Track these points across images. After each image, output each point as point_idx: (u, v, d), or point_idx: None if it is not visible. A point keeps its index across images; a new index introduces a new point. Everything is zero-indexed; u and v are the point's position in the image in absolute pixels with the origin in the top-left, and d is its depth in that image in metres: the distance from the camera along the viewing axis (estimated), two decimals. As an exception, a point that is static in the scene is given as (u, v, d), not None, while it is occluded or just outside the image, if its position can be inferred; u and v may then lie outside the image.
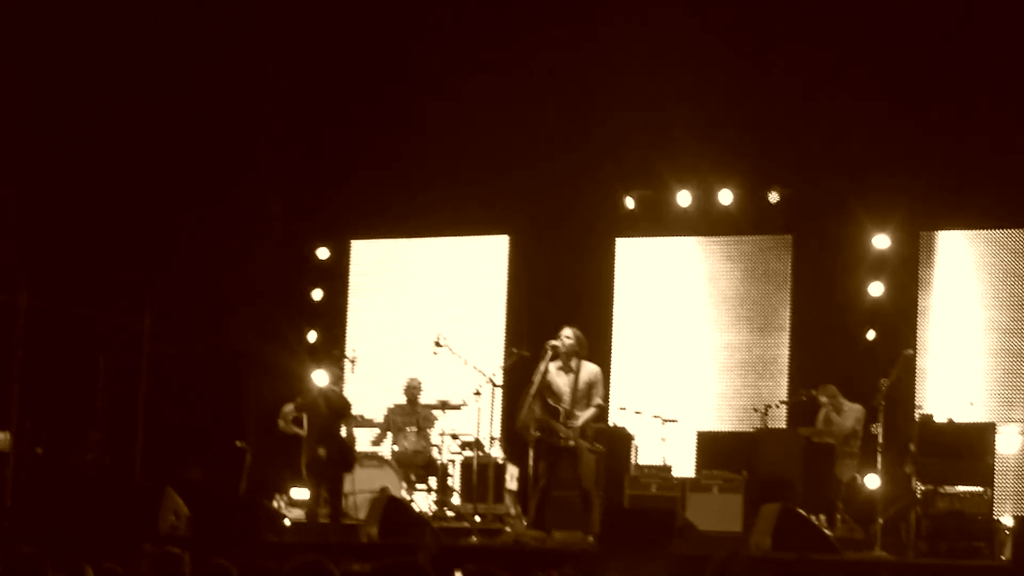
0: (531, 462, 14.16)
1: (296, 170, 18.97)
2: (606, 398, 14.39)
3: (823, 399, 16.13)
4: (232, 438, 17.53)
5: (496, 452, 16.40)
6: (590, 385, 14.20)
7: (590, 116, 17.82)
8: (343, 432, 15.62)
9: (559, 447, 14.04)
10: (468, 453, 16.43)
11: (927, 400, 16.59)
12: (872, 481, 15.02)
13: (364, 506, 15.60)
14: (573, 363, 14.23)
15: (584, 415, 14.16)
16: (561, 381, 14.22)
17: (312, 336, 19.00)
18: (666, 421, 16.33)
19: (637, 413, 16.40)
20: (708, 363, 17.93)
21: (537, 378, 14.17)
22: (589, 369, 14.26)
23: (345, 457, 15.65)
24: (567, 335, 14.26)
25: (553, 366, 14.25)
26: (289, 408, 16.09)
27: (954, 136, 16.64)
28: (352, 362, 17.48)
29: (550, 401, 14.14)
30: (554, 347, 14.26)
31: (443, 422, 16.99)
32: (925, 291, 17.26)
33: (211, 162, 18.17)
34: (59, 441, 17.22)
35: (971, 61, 16.62)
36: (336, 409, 15.64)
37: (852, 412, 16.03)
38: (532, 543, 14.03)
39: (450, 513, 16.43)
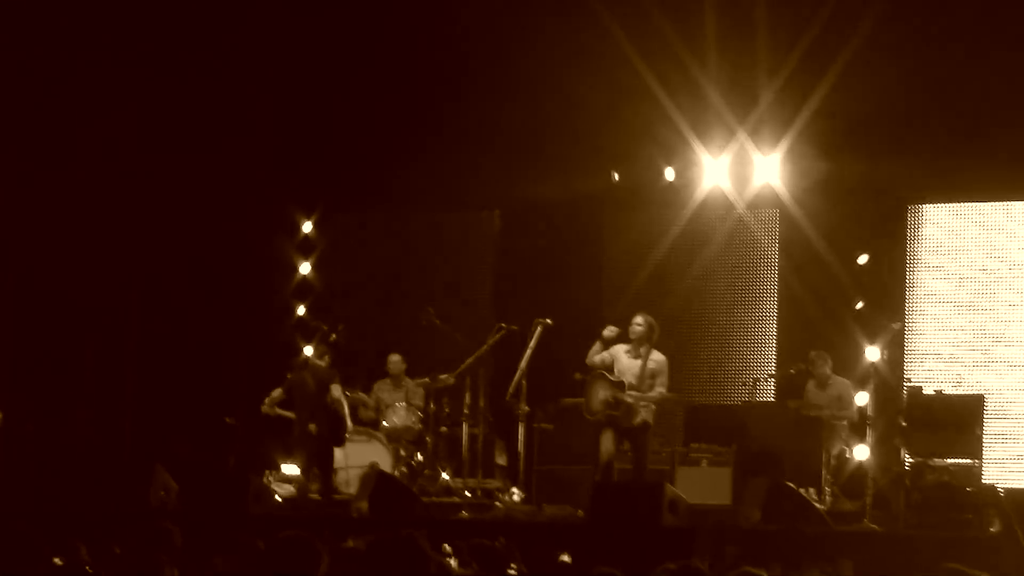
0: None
1: (284, 145, 18.90)
2: (669, 388, 14.63)
3: (815, 365, 16.02)
4: (221, 414, 17.51)
5: (485, 427, 16.42)
6: (654, 373, 14.41)
7: (579, 91, 17.75)
8: (335, 394, 15.64)
9: (621, 425, 14.20)
10: (457, 428, 16.42)
11: (915, 373, 16.60)
12: (861, 453, 15.05)
13: (355, 481, 15.60)
14: (642, 349, 14.46)
15: (648, 396, 14.34)
16: (627, 364, 14.42)
17: (300, 311, 18.97)
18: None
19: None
20: (696, 336, 17.90)
21: (527, 353, 14.22)
22: (656, 358, 14.47)
23: (335, 432, 15.66)
24: (638, 322, 14.57)
25: (622, 348, 14.51)
26: (277, 393, 16.14)
27: (945, 107, 16.63)
28: (339, 336, 17.47)
29: (610, 378, 14.32)
30: (544, 324, 14.31)
31: (431, 397, 16.95)
32: (912, 264, 17.26)
33: (196, 138, 18.09)
34: (49, 419, 17.22)
35: (960, 32, 16.58)
36: (322, 381, 15.67)
37: (838, 384, 16.04)
38: (522, 517, 14.07)
39: (440, 488, 16.42)
